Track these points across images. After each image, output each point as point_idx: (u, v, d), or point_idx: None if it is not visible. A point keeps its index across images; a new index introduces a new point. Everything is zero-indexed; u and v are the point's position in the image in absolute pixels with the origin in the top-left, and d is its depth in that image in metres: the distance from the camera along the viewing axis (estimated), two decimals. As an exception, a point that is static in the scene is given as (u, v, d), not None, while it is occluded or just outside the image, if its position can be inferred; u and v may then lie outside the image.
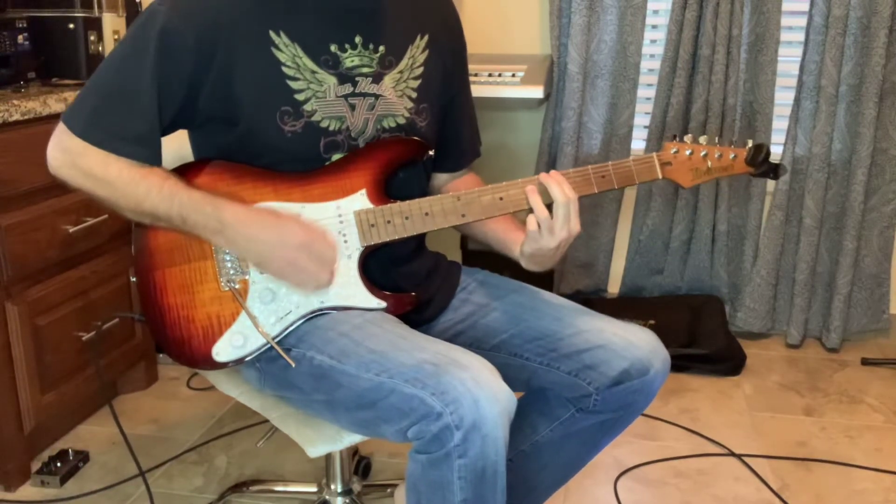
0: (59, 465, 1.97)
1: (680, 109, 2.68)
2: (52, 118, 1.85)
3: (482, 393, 1.10)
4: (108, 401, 2.33)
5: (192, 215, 1.22)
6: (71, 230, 1.97)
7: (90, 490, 1.93)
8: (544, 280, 2.68)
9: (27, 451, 1.98)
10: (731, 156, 1.30)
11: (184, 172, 1.28)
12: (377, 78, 1.32)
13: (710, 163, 1.31)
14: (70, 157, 1.23)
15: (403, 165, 1.33)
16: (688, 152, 1.30)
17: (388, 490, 1.85)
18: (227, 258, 1.28)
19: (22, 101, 1.82)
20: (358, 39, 1.30)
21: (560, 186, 1.24)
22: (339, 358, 1.22)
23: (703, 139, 1.31)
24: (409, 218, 1.28)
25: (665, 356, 1.33)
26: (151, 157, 1.24)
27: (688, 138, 1.31)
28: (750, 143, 1.30)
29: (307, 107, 1.26)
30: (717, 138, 1.32)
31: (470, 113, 1.53)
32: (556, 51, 2.72)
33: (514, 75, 2.52)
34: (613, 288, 2.99)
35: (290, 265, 1.24)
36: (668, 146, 1.31)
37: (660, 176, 1.31)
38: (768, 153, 1.29)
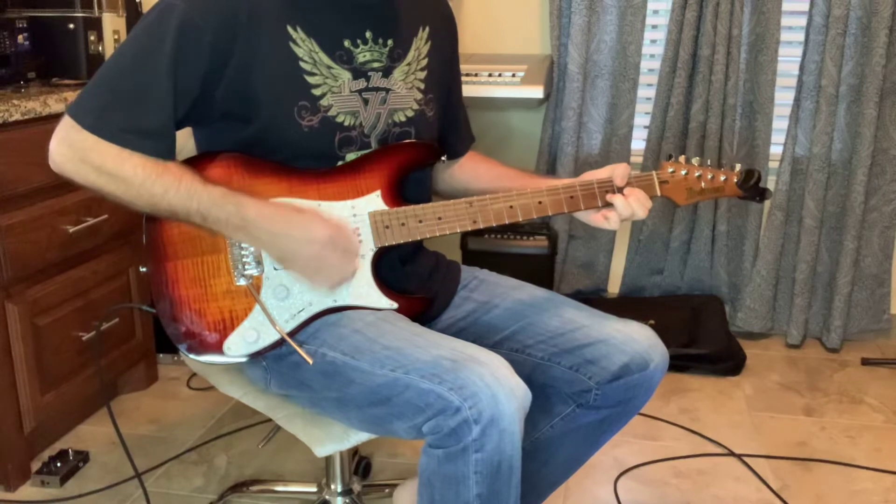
0: (59, 465, 1.97)
1: (680, 109, 2.68)
2: (52, 118, 1.85)
3: (500, 388, 1.11)
4: (107, 401, 2.33)
5: (213, 212, 1.20)
6: (71, 230, 1.97)
7: (90, 490, 1.93)
8: (544, 280, 2.68)
9: (27, 451, 1.98)
10: (722, 178, 1.38)
11: (195, 165, 1.26)
12: (387, 72, 1.33)
13: (703, 183, 1.38)
14: (79, 152, 1.19)
15: (417, 169, 1.34)
16: (683, 172, 1.37)
17: (388, 490, 1.85)
18: (244, 253, 1.28)
19: (22, 101, 1.82)
20: (368, 34, 1.31)
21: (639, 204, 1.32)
22: (353, 354, 1.22)
23: (695, 161, 1.38)
24: (422, 221, 1.30)
25: (664, 351, 1.35)
26: (166, 151, 1.22)
27: (682, 159, 1.37)
28: (738, 167, 1.38)
29: (323, 101, 1.27)
30: (708, 161, 1.40)
31: (462, 100, 1.56)
32: (556, 51, 2.72)
33: (514, 75, 2.52)
34: (613, 288, 2.99)
35: (315, 260, 1.24)
36: (666, 165, 1.37)
37: (658, 193, 1.36)
38: (759, 178, 1.37)
